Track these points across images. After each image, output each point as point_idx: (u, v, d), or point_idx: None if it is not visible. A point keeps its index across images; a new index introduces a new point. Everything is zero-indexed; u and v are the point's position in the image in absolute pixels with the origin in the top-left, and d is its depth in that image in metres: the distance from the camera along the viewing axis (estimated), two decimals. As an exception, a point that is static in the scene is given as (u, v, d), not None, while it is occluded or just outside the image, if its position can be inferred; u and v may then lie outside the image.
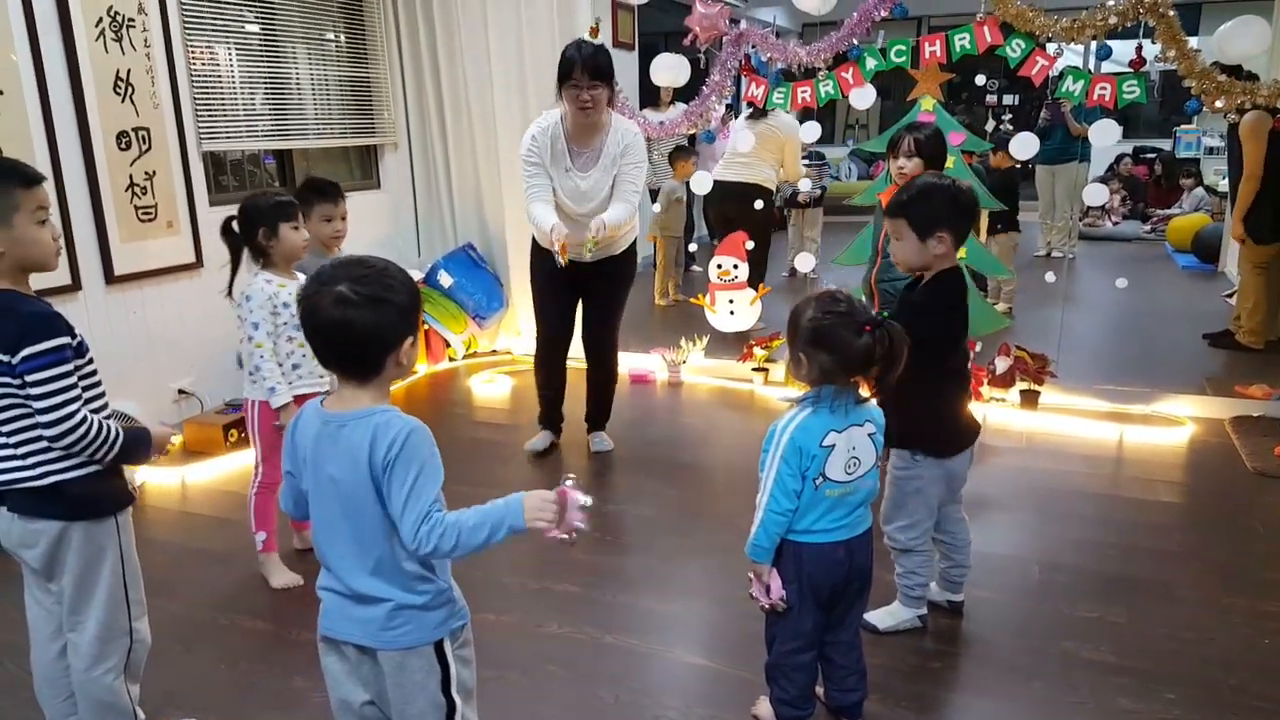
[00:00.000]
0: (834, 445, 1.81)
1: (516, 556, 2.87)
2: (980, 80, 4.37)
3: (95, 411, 1.79)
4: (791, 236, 7.72)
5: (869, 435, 1.86)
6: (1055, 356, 4.26)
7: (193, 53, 3.93)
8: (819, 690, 2.03)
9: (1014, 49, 3.85)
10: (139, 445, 1.87)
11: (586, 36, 3.46)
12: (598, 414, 3.89)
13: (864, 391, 1.85)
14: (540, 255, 3.61)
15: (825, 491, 1.83)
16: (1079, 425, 3.99)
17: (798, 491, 1.81)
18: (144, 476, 3.52)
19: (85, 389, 1.78)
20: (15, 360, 1.68)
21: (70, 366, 1.73)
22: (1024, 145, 3.99)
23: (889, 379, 1.79)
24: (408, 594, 1.51)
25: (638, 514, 3.25)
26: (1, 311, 1.70)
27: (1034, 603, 2.59)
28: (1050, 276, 4.17)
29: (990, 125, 8.97)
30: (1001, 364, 4.26)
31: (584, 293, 3.66)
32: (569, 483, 1.49)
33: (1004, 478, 3.51)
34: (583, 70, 3.18)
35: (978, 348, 4.38)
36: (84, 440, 1.74)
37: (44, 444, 1.74)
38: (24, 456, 1.75)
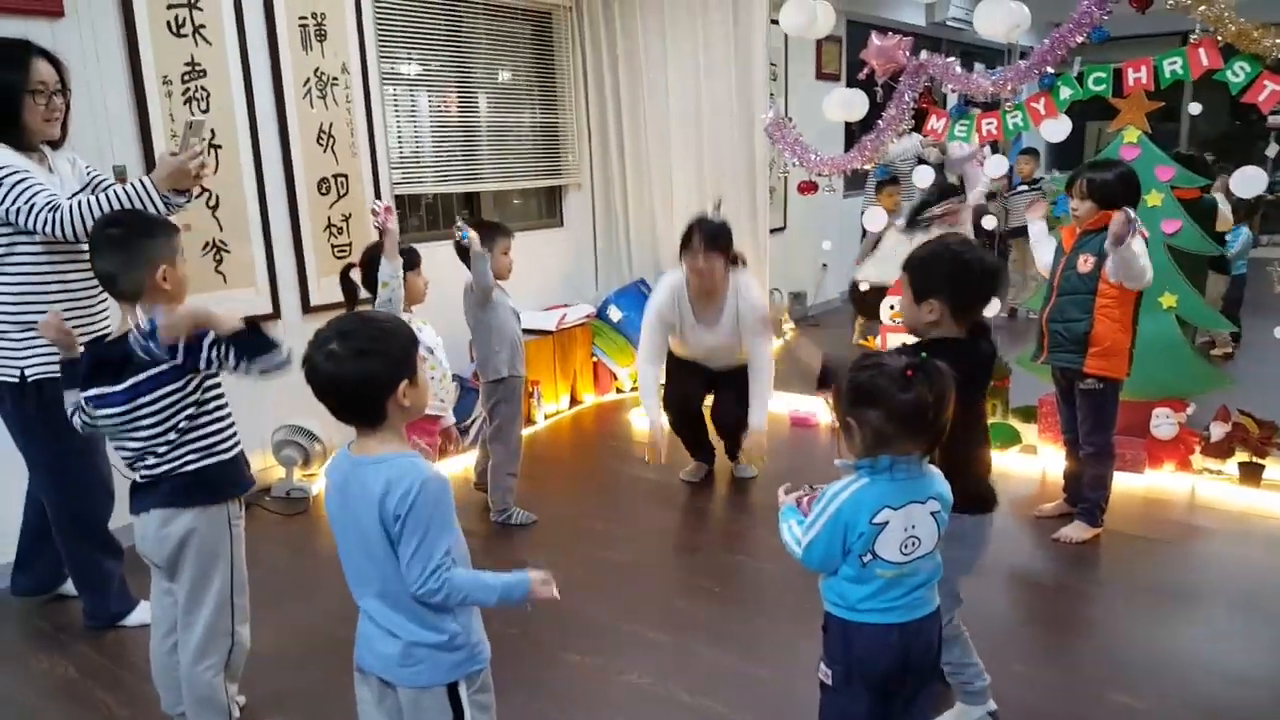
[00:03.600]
0: (887, 522, 1.65)
1: (622, 597, 2.87)
2: (1196, 109, 3.85)
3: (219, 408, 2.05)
4: (1012, 273, 7.18)
5: (932, 514, 1.68)
6: (1288, 426, 3.63)
7: (389, 106, 4.30)
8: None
9: (1236, 73, 3.36)
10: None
11: (711, 209, 3.62)
12: (733, 449, 3.93)
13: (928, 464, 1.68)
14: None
15: (876, 570, 1.67)
16: (1312, 511, 3.37)
17: (830, 565, 1.70)
18: (318, 487, 3.89)
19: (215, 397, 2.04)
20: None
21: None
22: (1247, 181, 3.45)
23: (942, 424, 1.61)
24: (425, 631, 1.57)
25: (759, 568, 3.13)
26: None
27: (1192, 718, 2.21)
28: (1281, 332, 3.54)
29: (1274, 150, 7.87)
30: (1217, 430, 3.70)
31: (715, 384, 3.78)
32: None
33: (1206, 564, 3.05)
34: (700, 238, 3.40)
35: (1190, 409, 3.84)
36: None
37: (186, 435, 1.98)
38: (180, 451, 2.00)
